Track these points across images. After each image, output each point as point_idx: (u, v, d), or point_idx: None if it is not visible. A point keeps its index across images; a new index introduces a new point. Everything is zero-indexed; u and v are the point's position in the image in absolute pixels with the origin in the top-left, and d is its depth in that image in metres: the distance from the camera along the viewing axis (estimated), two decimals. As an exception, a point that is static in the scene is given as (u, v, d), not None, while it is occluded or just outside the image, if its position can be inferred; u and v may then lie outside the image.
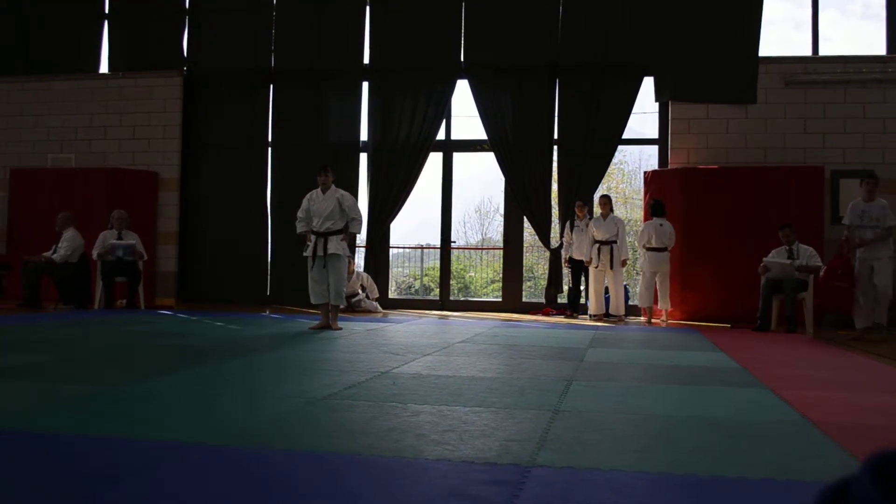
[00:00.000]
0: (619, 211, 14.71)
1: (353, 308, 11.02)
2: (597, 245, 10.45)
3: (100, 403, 3.62)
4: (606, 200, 10.70)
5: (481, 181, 21.33)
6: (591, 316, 10.53)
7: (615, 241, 10.41)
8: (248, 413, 3.48)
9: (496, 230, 20.00)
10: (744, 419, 3.55)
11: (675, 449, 2.96)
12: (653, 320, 10.10)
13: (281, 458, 2.65)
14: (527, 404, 3.77)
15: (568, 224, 10.93)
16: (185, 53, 12.87)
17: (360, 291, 11.31)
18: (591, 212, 10.95)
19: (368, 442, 2.91)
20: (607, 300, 10.60)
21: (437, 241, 12.79)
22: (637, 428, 3.31)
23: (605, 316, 10.48)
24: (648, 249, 9.95)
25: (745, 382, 4.71)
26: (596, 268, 10.47)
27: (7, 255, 11.82)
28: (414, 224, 19.54)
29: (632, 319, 10.62)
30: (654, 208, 10.10)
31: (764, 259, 9.24)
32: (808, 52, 11.32)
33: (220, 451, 2.73)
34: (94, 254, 10.46)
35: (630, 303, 11.18)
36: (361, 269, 11.82)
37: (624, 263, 10.52)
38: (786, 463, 2.76)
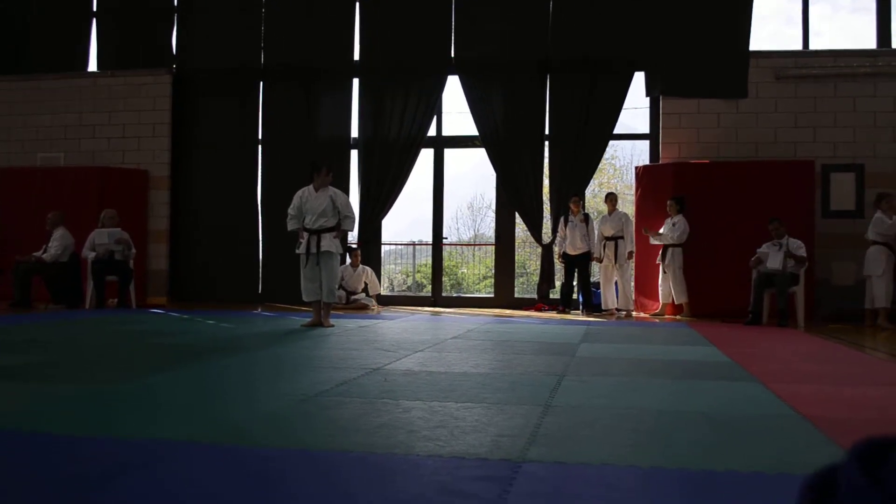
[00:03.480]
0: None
1: (351, 304, 11.02)
2: (604, 241, 10.61)
3: (94, 403, 3.61)
4: (612, 198, 10.83)
5: (473, 177, 21.34)
6: (603, 310, 10.58)
7: (622, 237, 10.49)
8: (242, 410, 3.47)
9: (488, 226, 20.03)
10: (736, 413, 3.55)
11: (666, 443, 2.96)
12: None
13: (274, 456, 2.64)
14: (518, 399, 3.77)
15: (562, 219, 10.94)
16: (175, 51, 12.83)
17: (362, 288, 11.31)
18: (584, 207, 11.00)
19: (360, 438, 2.90)
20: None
21: (429, 238, 12.79)
22: (628, 422, 3.30)
23: (617, 310, 10.55)
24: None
25: (736, 377, 4.71)
26: (601, 262, 10.57)
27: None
28: (406, 221, 19.51)
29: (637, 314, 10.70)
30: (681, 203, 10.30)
31: (757, 251, 9.25)
32: (798, 46, 11.34)
33: (216, 449, 2.72)
34: (85, 253, 10.42)
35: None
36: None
37: (630, 256, 10.57)
38: (778, 457, 2.76)
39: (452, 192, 13.03)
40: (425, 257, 14.86)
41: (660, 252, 10.39)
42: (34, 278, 10.37)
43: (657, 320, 9.98)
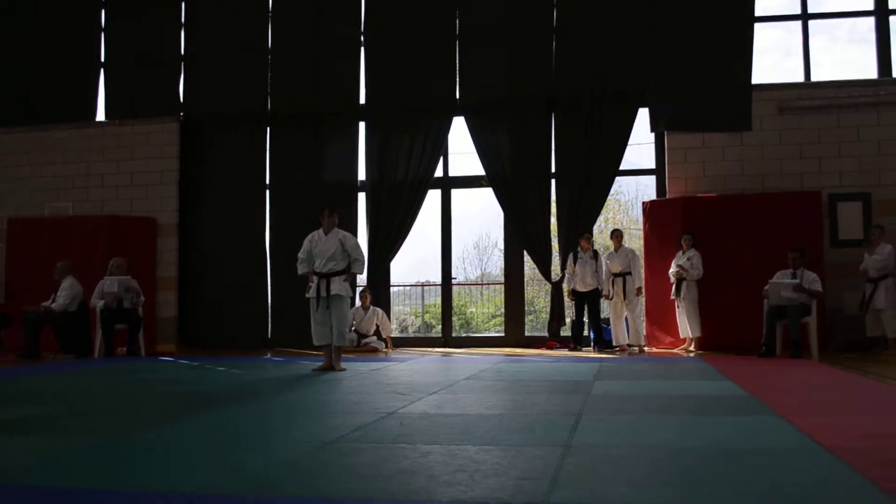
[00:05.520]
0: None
1: (361, 347, 10.97)
2: (612, 277, 10.60)
3: (110, 455, 3.56)
4: (618, 234, 10.83)
5: (479, 217, 21.36)
6: (615, 347, 10.52)
7: (629, 273, 10.46)
8: (259, 459, 3.42)
9: (495, 265, 19.95)
10: (758, 448, 3.50)
11: (691, 481, 2.91)
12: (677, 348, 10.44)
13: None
14: (537, 441, 3.72)
15: (571, 256, 10.91)
16: (182, 99, 12.94)
17: (373, 331, 11.26)
18: (593, 243, 11.01)
19: (380, 485, 2.86)
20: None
21: (436, 278, 12.77)
22: (650, 461, 3.26)
23: (629, 346, 10.50)
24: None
25: (756, 410, 4.66)
26: (610, 299, 10.53)
27: (6, 306, 11.75)
28: (413, 261, 19.49)
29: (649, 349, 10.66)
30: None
31: (770, 282, 9.19)
32: (799, 78, 11.40)
33: (235, 501, 2.68)
34: (93, 302, 10.41)
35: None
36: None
37: (639, 292, 10.53)
38: (805, 492, 2.72)
39: (458, 231, 13.06)
40: (433, 297, 14.82)
41: (673, 287, 10.33)
42: (43, 328, 10.36)
43: (678, 354, 9.94)
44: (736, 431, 3.98)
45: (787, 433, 3.85)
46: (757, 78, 11.07)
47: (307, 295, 7.95)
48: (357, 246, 8.03)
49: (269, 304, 12.39)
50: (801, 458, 3.27)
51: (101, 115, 13.26)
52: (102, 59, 13.30)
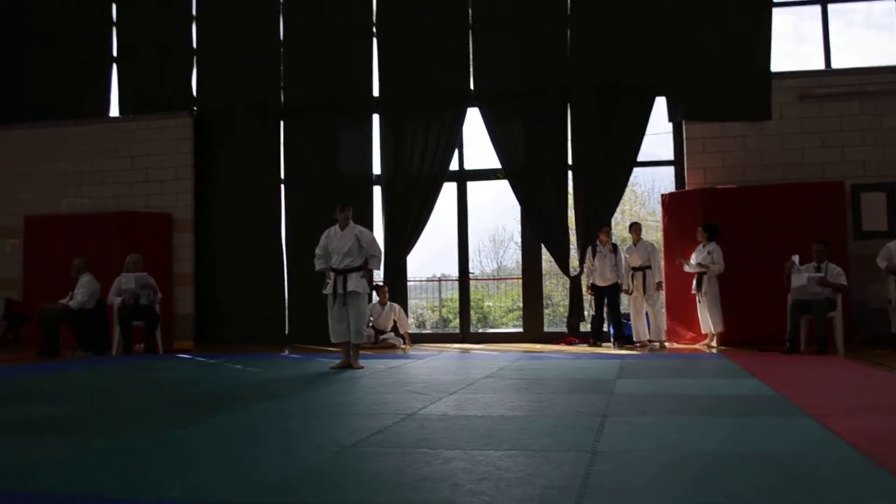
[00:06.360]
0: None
1: (379, 344, 10.90)
2: (631, 271, 10.48)
3: (126, 459, 3.49)
4: (637, 227, 10.70)
5: (494, 208, 21.25)
6: (635, 342, 10.41)
7: (649, 267, 10.34)
8: (279, 465, 3.34)
9: (511, 258, 19.88)
10: (793, 454, 3.39)
11: (724, 491, 2.81)
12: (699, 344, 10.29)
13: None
14: (562, 445, 3.63)
15: (590, 249, 10.76)
16: (195, 93, 12.87)
17: (391, 326, 11.20)
18: (611, 236, 10.86)
19: (404, 495, 2.78)
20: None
21: (452, 270, 12.69)
22: (681, 468, 3.16)
23: (649, 342, 10.40)
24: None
25: (786, 412, 4.54)
26: (630, 294, 10.41)
27: (24, 303, 11.77)
28: (428, 253, 19.41)
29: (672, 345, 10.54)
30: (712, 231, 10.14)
31: (792, 259, 9.02)
32: (815, 65, 11.23)
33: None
34: (110, 299, 10.38)
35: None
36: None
37: (659, 287, 10.40)
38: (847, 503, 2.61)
39: (474, 224, 12.91)
40: (450, 291, 14.76)
41: (694, 281, 10.17)
42: (61, 326, 10.35)
43: (700, 350, 9.81)
44: (769, 435, 3.87)
45: (823, 438, 3.72)
46: (774, 65, 10.91)
47: (324, 291, 7.88)
48: (374, 241, 7.94)
49: (287, 300, 12.33)
50: (840, 466, 3.15)
51: (114, 111, 13.24)
52: (114, 54, 13.26)
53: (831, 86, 10.82)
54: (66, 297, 10.46)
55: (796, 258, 8.98)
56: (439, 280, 15.91)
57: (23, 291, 12.16)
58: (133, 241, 11.57)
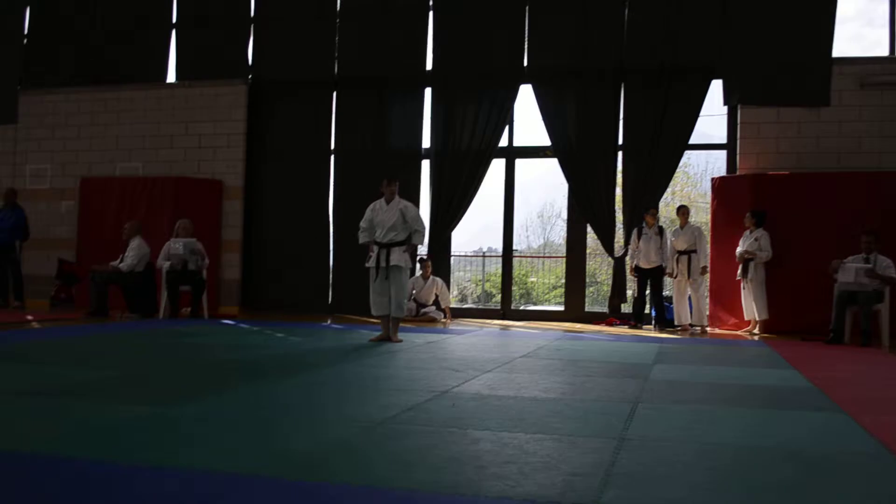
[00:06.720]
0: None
1: (420, 317, 10.99)
2: (676, 255, 10.39)
3: (157, 427, 3.58)
4: (685, 210, 10.59)
5: (543, 184, 21.14)
6: (676, 326, 10.34)
7: (694, 251, 10.23)
8: (307, 438, 3.40)
9: (558, 234, 19.83)
10: (821, 450, 3.36)
11: (749, 485, 2.80)
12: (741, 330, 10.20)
13: (338, 494, 2.57)
14: (591, 431, 3.64)
15: (635, 231, 10.69)
16: (250, 62, 12.99)
17: (433, 300, 11.27)
18: (658, 219, 10.76)
19: (425, 475, 2.81)
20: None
21: (498, 245, 12.68)
22: (707, 460, 3.15)
23: (691, 325, 10.32)
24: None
25: (820, 406, 4.49)
26: (674, 277, 10.33)
27: (76, 264, 12.06)
28: (475, 228, 19.44)
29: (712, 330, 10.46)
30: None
31: (842, 264, 8.86)
32: (883, 51, 10.93)
33: (280, 485, 2.65)
34: (159, 263, 10.60)
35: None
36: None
37: (704, 271, 10.30)
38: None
39: (522, 199, 12.92)
40: (494, 266, 14.76)
41: (739, 267, 10.04)
42: (111, 287, 10.60)
43: (741, 336, 9.71)
44: (799, 430, 3.83)
45: (855, 435, 3.67)
46: (837, 50, 10.66)
47: (367, 265, 7.95)
48: (418, 217, 7.97)
49: (331, 270, 12.47)
50: (869, 466, 3.11)
51: (171, 76, 13.42)
52: (174, 20, 13.40)
53: (894, 73, 10.52)
54: (118, 259, 10.71)
55: (841, 261, 8.83)
56: (483, 255, 15.90)
57: (76, 252, 12.46)
58: (184, 206, 11.78)
